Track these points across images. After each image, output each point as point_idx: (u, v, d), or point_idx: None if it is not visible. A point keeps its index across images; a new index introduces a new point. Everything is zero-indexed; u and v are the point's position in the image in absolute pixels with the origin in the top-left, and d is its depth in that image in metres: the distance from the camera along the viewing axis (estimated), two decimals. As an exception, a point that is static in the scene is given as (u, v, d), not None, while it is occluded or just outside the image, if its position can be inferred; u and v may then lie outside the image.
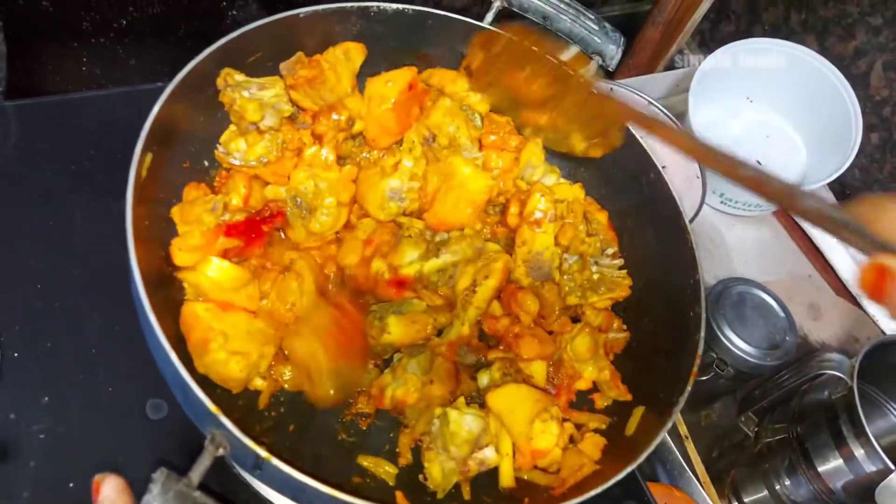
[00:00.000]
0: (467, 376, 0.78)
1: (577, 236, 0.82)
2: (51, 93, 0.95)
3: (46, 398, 0.74)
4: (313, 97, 0.77)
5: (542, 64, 0.74)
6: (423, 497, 0.70)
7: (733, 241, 1.31)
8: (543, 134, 0.84)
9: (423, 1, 0.95)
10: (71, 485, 0.70)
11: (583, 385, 0.80)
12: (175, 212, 0.68)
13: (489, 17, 0.82)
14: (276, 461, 0.52)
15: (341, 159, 0.81)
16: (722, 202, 1.29)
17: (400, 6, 0.78)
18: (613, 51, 0.84)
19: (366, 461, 0.73)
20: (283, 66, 0.76)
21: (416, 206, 0.83)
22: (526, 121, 0.83)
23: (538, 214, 0.81)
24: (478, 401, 0.76)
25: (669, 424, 0.66)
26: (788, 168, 1.34)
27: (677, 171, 1.17)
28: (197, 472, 0.50)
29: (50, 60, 1.01)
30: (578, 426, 0.77)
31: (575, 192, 0.84)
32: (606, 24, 0.85)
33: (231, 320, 0.68)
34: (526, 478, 0.72)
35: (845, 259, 1.32)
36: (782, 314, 1.09)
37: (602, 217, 0.84)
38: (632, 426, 0.74)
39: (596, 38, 0.84)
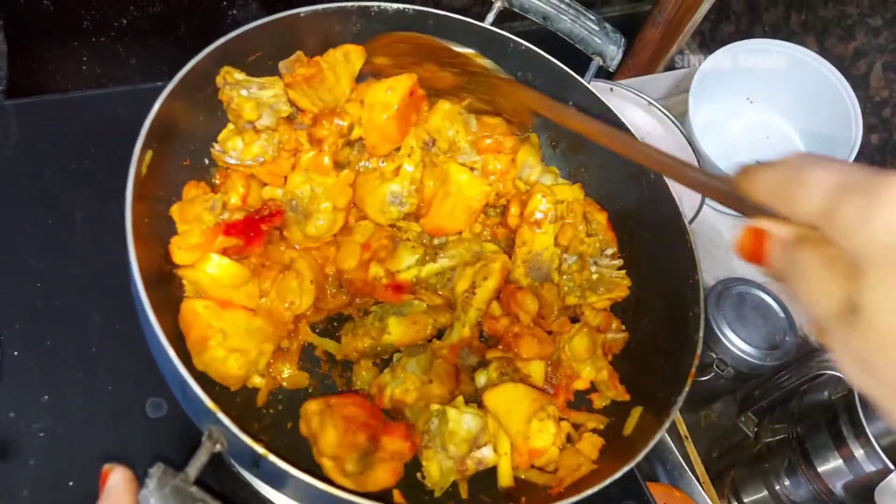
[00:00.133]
0: (466, 377, 0.79)
1: (576, 236, 0.82)
2: (51, 92, 0.95)
3: (46, 397, 0.74)
4: (311, 97, 0.76)
5: (441, 56, 0.76)
6: (421, 495, 0.70)
7: (733, 242, 1.31)
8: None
9: (424, 1, 0.95)
10: (70, 483, 0.70)
11: (581, 385, 0.80)
12: (175, 210, 0.68)
13: (490, 17, 0.82)
14: (273, 458, 0.52)
15: (338, 165, 0.80)
16: (722, 203, 1.29)
17: (400, 6, 0.78)
18: (614, 51, 0.84)
19: None
20: (282, 64, 0.76)
21: (414, 210, 0.83)
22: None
23: (539, 215, 0.81)
24: (476, 400, 0.76)
25: (667, 424, 0.66)
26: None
27: (677, 171, 1.17)
28: (194, 468, 0.51)
29: (50, 59, 1.01)
30: (576, 426, 0.77)
31: (575, 192, 0.84)
32: (607, 25, 0.85)
33: (230, 318, 0.68)
34: (523, 477, 0.72)
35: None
36: (782, 314, 1.09)
37: (602, 217, 0.85)
38: (630, 426, 0.74)
39: (596, 39, 0.84)
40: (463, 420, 0.71)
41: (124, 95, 0.94)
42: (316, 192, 0.77)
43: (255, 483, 0.74)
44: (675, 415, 0.70)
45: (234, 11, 1.06)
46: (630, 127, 0.80)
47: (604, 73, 0.95)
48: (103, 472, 0.51)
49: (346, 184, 0.79)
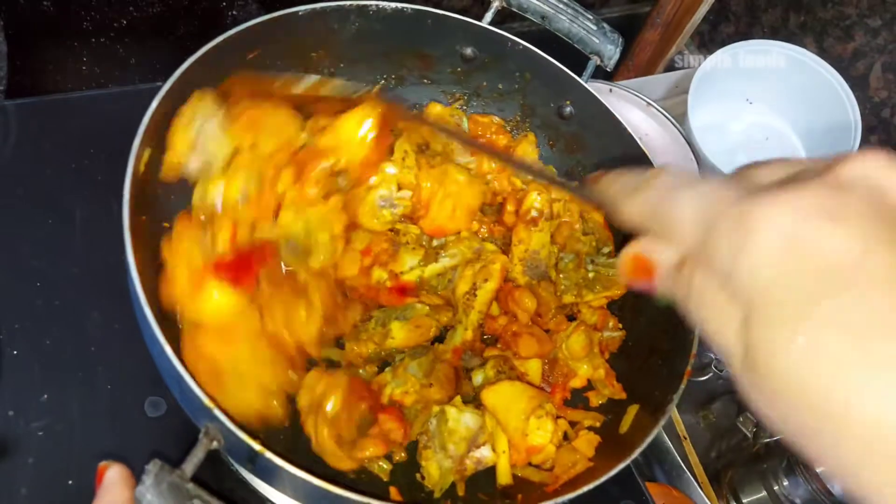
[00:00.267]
0: (466, 379, 0.79)
1: (572, 235, 0.82)
2: (51, 92, 0.95)
3: (46, 396, 0.74)
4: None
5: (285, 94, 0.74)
6: (418, 493, 0.71)
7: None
8: None
9: (425, 1, 0.95)
10: (70, 482, 0.70)
11: (577, 383, 0.80)
12: (165, 247, 0.65)
13: (488, 16, 0.83)
14: (269, 454, 0.52)
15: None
16: (721, 203, 1.29)
17: (399, 5, 0.78)
18: (612, 51, 0.85)
19: None
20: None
21: (409, 212, 0.83)
22: None
23: (534, 213, 0.81)
24: (473, 401, 0.76)
25: (663, 422, 0.66)
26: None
27: (676, 172, 1.17)
28: (190, 464, 0.51)
29: (50, 60, 1.01)
30: (573, 424, 0.77)
31: None
32: (605, 25, 0.85)
33: (235, 350, 0.65)
34: (520, 475, 0.72)
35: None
36: (780, 315, 1.08)
37: (598, 216, 0.85)
38: (626, 424, 0.74)
39: (594, 39, 0.85)
40: (462, 419, 0.71)
41: (124, 95, 0.94)
42: (310, 226, 0.74)
43: (254, 481, 0.74)
44: (672, 413, 0.70)
45: (234, 12, 1.06)
46: (629, 128, 0.80)
47: (603, 74, 0.95)
48: (99, 469, 0.52)
49: (338, 209, 0.77)
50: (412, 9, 0.79)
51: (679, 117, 1.20)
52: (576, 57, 0.86)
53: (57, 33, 0.99)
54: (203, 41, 0.68)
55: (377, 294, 0.80)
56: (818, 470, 0.96)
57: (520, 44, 0.82)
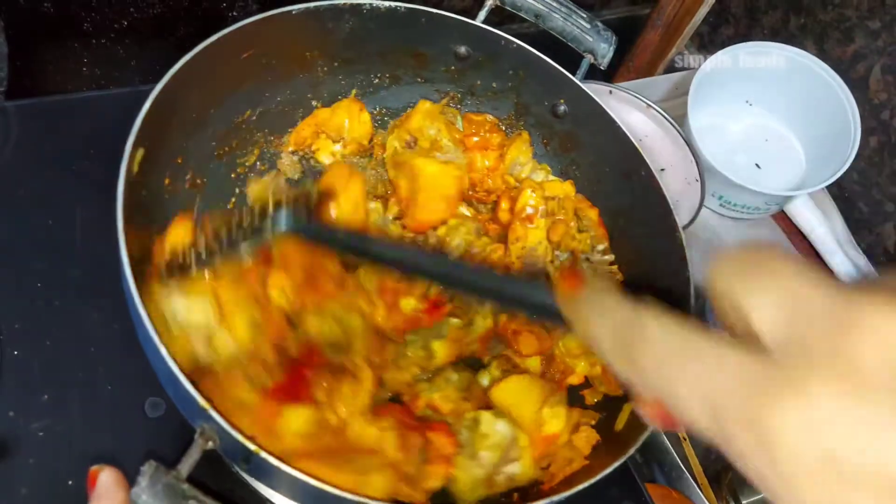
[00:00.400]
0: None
1: (567, 233, 0.83)
2: (52, 93, 0.96)
3: (46, 396, 0.74)
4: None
5: None
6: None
7: (732, 244, 1.31)
8: None
9: (424, 1, 0.95)
10: (70, 482, 0.71)
11: (575, 380, 0.80)
12: (217, 401, 0.57)
13: (482, 15, 0.83)
14: (264, 454, 0.52)
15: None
16: (721, 205, 1.29)
17: (392, 4, 0.78)
18: (605, 49, 0.85)
19: None
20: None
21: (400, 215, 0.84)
22: None
23: (529, 210, 0.81)
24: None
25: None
26: (787, 171, 1.34)
27: (676, 173, 1.18)
28: (186, 465, 0.51)
29: (51, 61, 1.02)
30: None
31: (566, 188, 0.84)
32: (598, 23, 0.86)
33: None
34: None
35: (845, 263, 1.32)
36: (779, 316, 1.09)
37: (593, 213, 0.85)
38: (621, 422, 0.74)
39: (588, 37, 0.85)
40: (496, 425, 0.71)
41: (124, 97, 0.94)
42: (337, 317, 0.74)
43: (253, 481, 0.74)
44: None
45: (235, 13, 1.07)
46: (629, 130, 0.80)
47: (601, 75, 0.95)
48: (91, 472, 0.52)
49: (357, 287, 0.76)
50: (406, 7, 0.79)
51: (679, 119, 1.20)
52: (570, 56, 0.86)
53: (57, 34, 0.99)
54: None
55: (418, 322, 0.79)
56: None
57: (513, 42, 0.82)
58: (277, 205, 0.69)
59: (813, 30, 1.39)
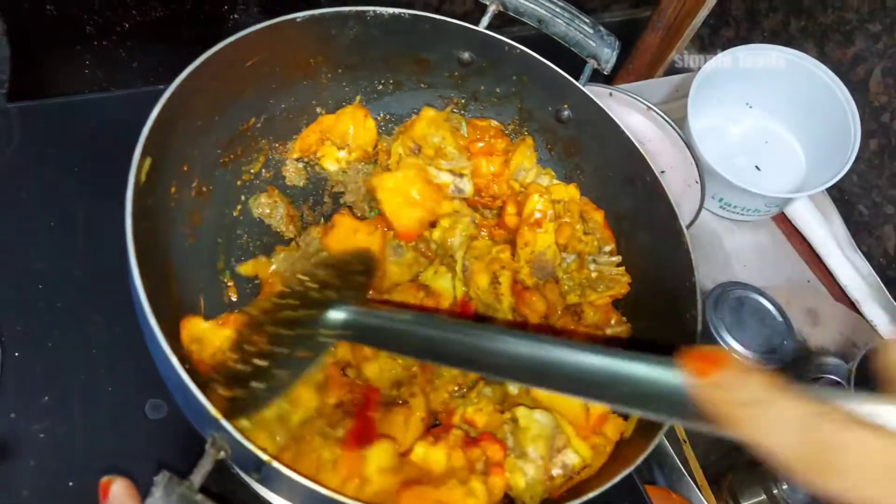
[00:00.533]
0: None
1: (574, 235, 0.83)
2: (54, 95, 0.95)
3: (47, 398, 0.74)
4: None
5: None
6: None
7: (732, 246, 1.31)
8: None
9: (424, 6, 0.95)
10: (70, 484, 0.70)
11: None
12: (302, 468, 0.57)
13: (485, 21, 0.83)
14: (276, 464, 0.52)
15: None
16: (721, 207, 1.29)
17: (396, 11, 0.78)
18: (608, 54, 0.85)
19: None
20: None
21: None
22: None
23: (538, 215, 0.81)
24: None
25: (666, 428, 0.66)
26: (787, 174, 1.34)
27: (676, 175, 1.18)
28: (199, 475, 0.50)
29: (53, 63, 1.01)
30: None
31: (571, 192, 0.84)
32: (601, 28, 0.85)
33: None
34: None
35: (844, 265, 1.32)
36: (780, 319, 1.09)
37: (598, 216, 0.85)
38: (629, 429, 0.74)
39: (591, 42, 0.85)
40: (534, 416, 0.71)
41: (126, 99, 0.94)
42: (396, 359, 0.74)
43: (260, 489, 0.73)
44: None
45: (236, 16, 1.07)
46: (629, 132, 0.81)
47: (602, 78, 0.95)
48: (102, 484, 0.51)
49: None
50: (409, 14, 0.79)
51: (679, 121, 1.20)
52: (573, 61, 0.86)
53: (60, 37, 0.99)
54: (205, 45, 0.68)
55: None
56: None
57: (517, 48, 0.82)
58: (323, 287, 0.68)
59: (813, 32, 1.40)
